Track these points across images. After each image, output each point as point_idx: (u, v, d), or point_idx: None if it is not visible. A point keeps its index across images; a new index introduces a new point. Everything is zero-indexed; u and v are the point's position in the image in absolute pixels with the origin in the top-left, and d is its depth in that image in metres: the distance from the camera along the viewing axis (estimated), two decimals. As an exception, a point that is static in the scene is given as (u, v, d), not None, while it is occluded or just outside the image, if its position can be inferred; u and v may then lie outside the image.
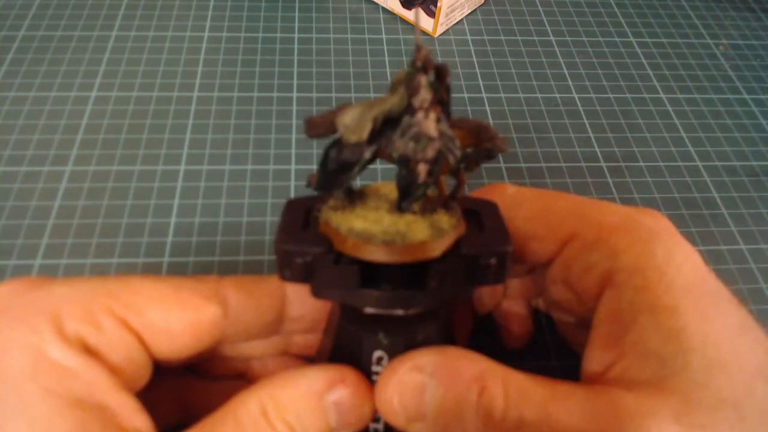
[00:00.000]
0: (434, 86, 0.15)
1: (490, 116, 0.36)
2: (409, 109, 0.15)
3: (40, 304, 0.15)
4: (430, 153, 0.15)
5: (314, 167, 0.33)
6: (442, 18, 0.40)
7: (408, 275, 0.16)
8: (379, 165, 0.33)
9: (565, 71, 0.40)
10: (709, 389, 0.15)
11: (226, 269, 0.28)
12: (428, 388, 0.16)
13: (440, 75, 0.15)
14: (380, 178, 0.33)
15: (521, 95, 0.38)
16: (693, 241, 0.31)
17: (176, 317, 0.16)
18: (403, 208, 0.17)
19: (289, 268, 0.17)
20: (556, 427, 0.15)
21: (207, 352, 0.18)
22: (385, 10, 0.43)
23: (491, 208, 0.18)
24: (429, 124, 0.15)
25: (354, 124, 0.15)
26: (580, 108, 0.38)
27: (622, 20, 0.44)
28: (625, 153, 0.35)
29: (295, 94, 0.37)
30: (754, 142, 0.37)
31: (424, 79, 0.15)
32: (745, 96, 0.39)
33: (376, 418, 0.18)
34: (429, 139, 0.15)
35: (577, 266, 0.18)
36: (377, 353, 0.17)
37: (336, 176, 0.16)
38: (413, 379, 0.16)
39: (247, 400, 0.16)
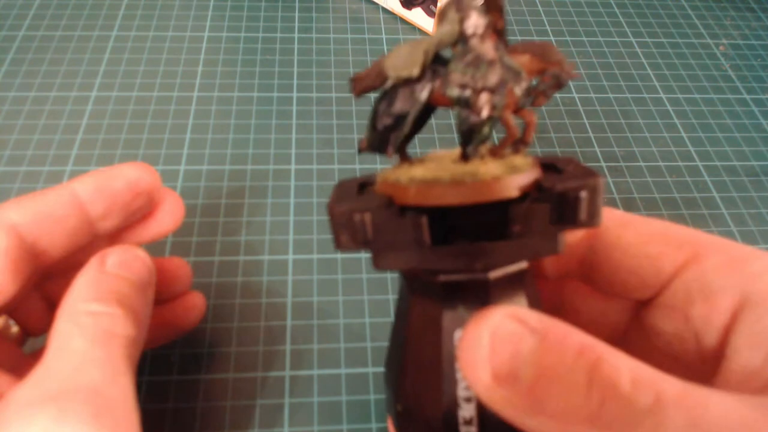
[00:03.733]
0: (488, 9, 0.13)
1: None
2: (462, 38, 0.14)
3: None
4: (493, 79, 0.13)
5: (314, 167, 0.33)
6: (442, 18, 0.40)
7: (485, 227, 0.14)
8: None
9: (565, 71, 0.40)
10: None
11: (226, 269, 0.28)
12: (526, 341, 0.12)
13: (492, 1, 0.14)
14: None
15: (521, 95, 0.38)
16: (693, 241, 0.31)
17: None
18: (468, 154, 0.14)
19: (346, 231, 0.14)
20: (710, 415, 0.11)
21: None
22: (385, 10, 0.43)
23: (569, 159, 0.15)
24: (486, 46, 0.13)
25: (404, 62, 0.14)
26: (580, 108, 0.38)
27: (622, 20, 0.44)
28: (625, 153, 0.35)
29: (295, 94, 0.37)
30: (754, 142, 0.37)
31: (474, 1, 0.13)
32: (745, 96, 0.39)
33: (468, 420, 0.14)
34: (489, 63, 0.13)
35: (703, 290, 0.16)
36: (458, 333, 0.14)
37: (389, 134, 0.14)
38: (510, 329, 0.12)
39: (59, 317, 0.17)
